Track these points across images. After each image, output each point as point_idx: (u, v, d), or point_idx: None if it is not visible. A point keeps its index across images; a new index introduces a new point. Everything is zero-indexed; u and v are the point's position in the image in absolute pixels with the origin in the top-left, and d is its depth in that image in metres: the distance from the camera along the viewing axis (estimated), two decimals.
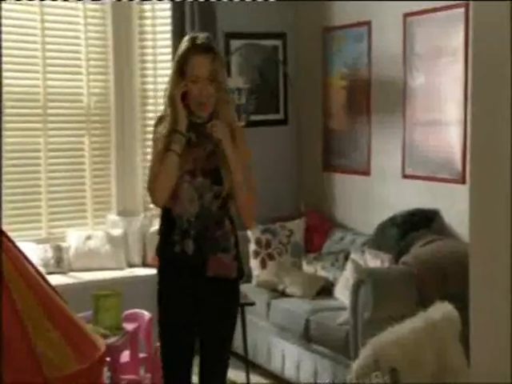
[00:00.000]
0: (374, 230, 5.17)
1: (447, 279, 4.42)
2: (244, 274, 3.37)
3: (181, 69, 3.16)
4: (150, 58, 6.05)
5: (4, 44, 5.27)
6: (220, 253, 3.22)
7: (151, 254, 5.79)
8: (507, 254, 2.35)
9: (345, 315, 4.58)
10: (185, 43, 3.18)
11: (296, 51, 6.36)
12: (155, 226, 5.88)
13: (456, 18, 4.85)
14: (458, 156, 4.90)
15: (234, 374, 4.89)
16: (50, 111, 5.76)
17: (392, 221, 5.05)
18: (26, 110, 5.68)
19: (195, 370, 3.34)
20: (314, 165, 6.25)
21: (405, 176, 5.36)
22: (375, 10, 5.55)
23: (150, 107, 6.06)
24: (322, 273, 5.39)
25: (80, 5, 5.82)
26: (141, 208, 6.05)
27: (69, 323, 3.08)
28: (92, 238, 5.75)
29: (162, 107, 3.34)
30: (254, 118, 5.87)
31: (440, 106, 5.05)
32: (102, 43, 5.95)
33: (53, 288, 3.24)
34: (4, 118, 5.27)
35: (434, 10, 5.02)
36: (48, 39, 5.71)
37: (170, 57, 5.58)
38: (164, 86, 3.31)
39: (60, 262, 5.59)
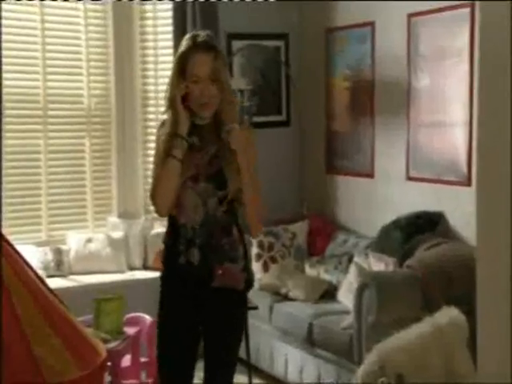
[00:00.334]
0: (377, 232, 5.13)
1: (452, 283, 4.38)
2: (252, 286, 3.21)
3: (181, 68, 3.01)
4: (151, 58, 6.01)
5: (4, 45, 5.22)
6: (227, 262, 3.06)
7: (152, 257, 5.75)
8: None
9: (348, 319, 4.54)
10: (185, 41, 3.04)
11: (299, 52, 6.31)
12: (156, 228, 5.86)
13: (461, 18, 4.81)
14: (463, 158, 4.86)
15: (237, 378, 4.75)
16: (50, 113, 5.72)
17: (396, 223, 5.01)
18: (25, 112, 5.64)
19: (198, 374, 3.21)
20: (316, 167, 6.20)
21: (409, 178, 5.31)
22: (379, 11, 5.51)
23: (151, 108, 6.02)
24: (325, 276, 5.35)
25: (80, 5, 5.79)
26: (142, 210, 6.00)
27: (69, 329, 3.07)
28: (92, 241, 5.71)
29: (163, 109, 3.17)
30: (256, 119, 5.82)
31: (445, 107, 5.00)
32: (103, 44, 5.91)
33: (53, 292, 3.23)
34: (4, 120, 5.22)
35: (439, 10, 4.98)
36: (48, 40, 5.67)
37: (171, 58, 5.53)
38: (165, 87, 3.15)
39: (60, 265, 5.56)
